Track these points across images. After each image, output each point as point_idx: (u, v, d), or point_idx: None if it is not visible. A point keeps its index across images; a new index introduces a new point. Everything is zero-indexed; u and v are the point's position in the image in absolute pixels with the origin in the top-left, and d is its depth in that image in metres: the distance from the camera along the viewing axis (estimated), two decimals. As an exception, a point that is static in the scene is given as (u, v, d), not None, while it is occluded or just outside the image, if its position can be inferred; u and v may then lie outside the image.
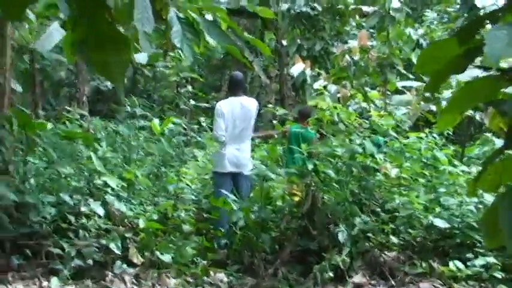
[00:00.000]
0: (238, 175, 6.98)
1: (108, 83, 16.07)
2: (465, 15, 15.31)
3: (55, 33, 9.72)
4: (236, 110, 7.10)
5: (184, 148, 9.27)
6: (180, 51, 9.11)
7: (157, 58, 14.40)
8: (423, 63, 2.12)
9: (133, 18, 3.69)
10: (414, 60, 11.28)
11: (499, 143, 7.22)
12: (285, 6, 14.81)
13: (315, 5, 14.51)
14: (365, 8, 14.93)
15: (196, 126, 10.77)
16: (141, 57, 13.84)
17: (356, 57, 9.34)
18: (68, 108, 8.71)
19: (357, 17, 15.83)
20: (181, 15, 4.09)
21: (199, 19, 4.16)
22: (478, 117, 9.94)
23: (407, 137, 7.29)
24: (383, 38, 9.96)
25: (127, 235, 5.60)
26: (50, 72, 16.36)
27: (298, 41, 14.35)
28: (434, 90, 2.32)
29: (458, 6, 16.77)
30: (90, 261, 5.33)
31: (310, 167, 5.83)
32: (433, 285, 5.31)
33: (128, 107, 8.47)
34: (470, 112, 8.99)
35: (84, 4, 2.64)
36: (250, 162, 6.98)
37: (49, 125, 7.92)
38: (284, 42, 14.97)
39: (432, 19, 17.40)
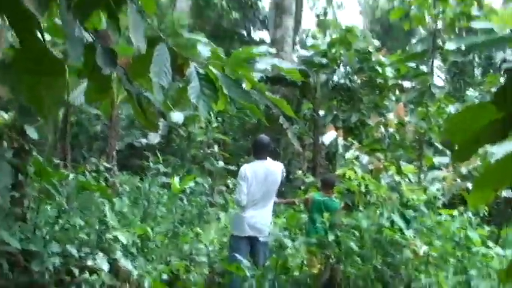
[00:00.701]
0: (255, 240, 6.66)
1: (142, 140, 16.12)
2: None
3: (91, 85, 9.78)
4: (260, 174, 6.87)
5: (208, 208, 9.01)
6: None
7: (194, 119, 14.47)
8: (451, 130, 1.81)
9: (150, 71, 3.56)
10: (453, 139, 10.96)
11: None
12: (323, 77, 14.77)
13: (354, 77, 14.42)
14: (405, 84, 14.79)
15: (224, 188, 10.55)
16: (176, 117, 13.95)
17: (391, 130, 9.05)
18: (94, 160, 8.57)
19: (397, 91, 15.68)
20: (201, 70, 3.90)
21: (219, 75, 3.96)
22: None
23: (440, 214, 6.87)
24: (422, 114, 9.70)
25: (131, 294, 5.29)
26: (86, 126, 16.56)
27: (335, 111, 14.20)
28: (463, 159, 2.02)
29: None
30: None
31: (331, 237, 5.46)
32: None
33: (151, 163, 8.28)
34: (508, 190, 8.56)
35: (14, 19, 2.41)
36: (269, 228, 6.65)
37: (71, 176, 7.79)
38: (321, 113, 14.85)
39: (474, 98, 17.09)
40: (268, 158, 7.09)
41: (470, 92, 17.88)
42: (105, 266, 5.36)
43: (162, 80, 3.33)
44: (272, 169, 6.99)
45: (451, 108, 13.72)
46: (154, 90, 3.22)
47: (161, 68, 3.34)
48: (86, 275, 5.27)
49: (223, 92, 3.96)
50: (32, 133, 5.69)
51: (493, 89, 17.03)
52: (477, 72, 26.78)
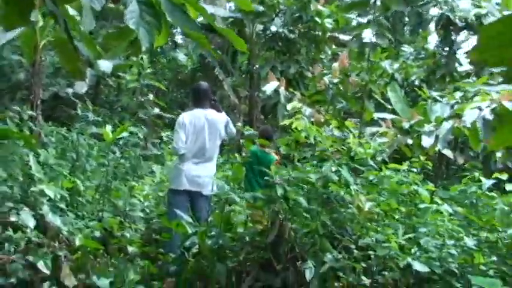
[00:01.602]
0: (197, 195, 6.27)
1: (69, 89, 15.27)
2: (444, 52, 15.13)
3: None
4: (199, 123, 6.47)
5: (141, 162, 8.51)
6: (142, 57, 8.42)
7: (123, 68, 13.71)
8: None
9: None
10: (389, 94, 10.82)
11: (487, 183, 6.64)
12: (260, 27, 14.29)
13: (292, 28, 14.04)
14: (342, 37, 14.56)
15: (157, 141, 10.03)
16: (104, 65, 13.14)
17: (335, 80, 8.76)
18: (16, 108, 7.87)
19: (333, 46, 15.47)
20: (140, -7, 3.36)
21: (161, -1, 3.44)
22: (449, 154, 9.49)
23: (385, 169, 6.69)
24: (361, 64, 9.46)
25: (60, 253, 4.80)
26: (8, 73, 15.52)
27: (273, 63, 13.81)
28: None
29: (436, 43, 16.63)
30: (14, 280, 4.53)
31: (279, 191, 5.13)
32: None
33: (79, 110, 7.67)
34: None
35: None
36: (212, 183, 6.26)
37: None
38: (257, 65, 14.44)
39: (409, 54, 17.09)
40: (209, 107, 6.66)
41: (405, 48, 17.85)
42: (31, 222, 4.85)
43: (93, 2, 2.79)
44: (214, 118, 6.58)
45: (386, 64, 13.65)
46: (84, 14, 2.69)
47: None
48: (10, 232, 4.74)
49: (166, 20, 3.44)
50: None
51: (426, 46, 17.12)
52: (406, 30, 27.02)
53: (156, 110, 7.43)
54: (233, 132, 6.87)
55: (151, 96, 8.06)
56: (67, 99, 15.81)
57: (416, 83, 15.07)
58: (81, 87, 14.18)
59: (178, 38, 18.30)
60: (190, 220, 5.34)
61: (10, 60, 15.22)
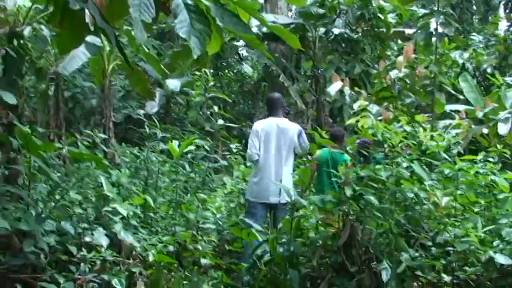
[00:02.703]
0: (275, 205, 6.36)
1: (140, 111, 15.64)
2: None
3: (80, 55, 9.26)
4: (272, 131, 6.60)
5: (212, 174, 8.56)
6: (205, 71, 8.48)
7: (191, 85, 13.93)
8: None
9: (130, 6, 3.04)
10: (460, 84, 10.46)
11: None
12: (322, 30, 14.14)
13: (354, 27, 13.82)
14: (407, 31, 14.18)
15: (226, 153, 10.08)
16: (173, 84, 13.40)
17: (401, 74, 8.49)
18: (88, 132, 8.09)
19: (399, 41, 15.10)
20: (189, 1, 3.33)
21: (210, 5, 3.41)
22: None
23: (461, 161, 6.40)
24: (429, 56, 9.15)
25: (134, 269, 4.86)
26: (81, 100, 16.05)
27: (337, 65, 13.61)
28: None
29: (505, 28, 15.99)
30: (91, 299, 4.62)
31: (348, 192, 5.00)
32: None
33: (147, 129, 7.80)
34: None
35: None
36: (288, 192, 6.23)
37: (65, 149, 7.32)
38: (322, 69, 14.29)
39: (478, 42, 16.50)
40: (282, 116, 6.81)
41: (474, 37, 17.25)
42: (104, 241, 4.93)
43: (143, 15, 2.81)
44: (286, 126, 6.71)
45: (456, 54, 13.18)
46: (135, 28, 2.70)
47: (141, 1, 2.80)
48: (84, 252, 4.84)
49: (217, 26, 3.40)
50: (9, 98, 5.21)
51: (496, 32, 16.47)
52: (475, 19, 26.24)
53: (221, 122, 7.47)
54: (306, 144, 6.89)
55: (216, 109, 8.11)
56: (139, 120, 16.19)
57: (489, 70, 14.51)
58: (152, 107, 14.50)
59: (244, 51, 18.46)
60: (260, 228, 5.30)
61: (83, 87, 15.72)
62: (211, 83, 8.43)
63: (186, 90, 14.20)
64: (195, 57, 3.35)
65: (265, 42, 14.03)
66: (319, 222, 5.44)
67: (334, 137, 7.41)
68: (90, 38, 6.19)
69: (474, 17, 26.61)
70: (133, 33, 5.58)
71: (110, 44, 9.99)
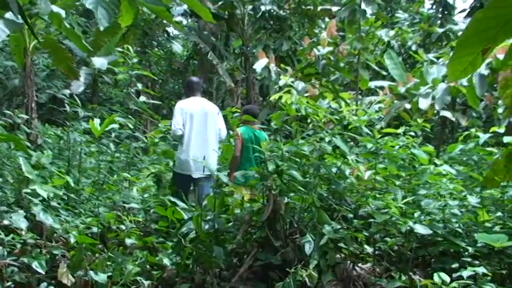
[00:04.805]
0: (200, 179, 6.71)
1: (66, 91, 15.20)
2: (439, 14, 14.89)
3: (-1, 32, 8.86)
4: (196, 108, 6.91)
5: (136, 154, 8.42)
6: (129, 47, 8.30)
7: (118, 63, 13.58)
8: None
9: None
10: (386, 61, 10.67)
11: (483, 137, 6.50)
12: (250, 7, 14.10)
13: (281, 4, 13.84)
14: (334, 9, 14.32)
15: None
16: (99, 63, 13.02)
17: (325, 50, 8.59)
18: (7, 112, 7.80)
19: (326, 18, 15.24)
20: (98, -30, 3.23)
21: (120, -24, 3.32)
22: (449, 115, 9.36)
23: (382, 136, 6.54)
24: (353, 33, 9.26)
25: (55, 252, 4.74)
26: (3, 80, 15.48)
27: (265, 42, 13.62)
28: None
29: (430, 6, 16.38)
30: (11, 283, 4.47)
31: (271, 167, 5.03)
32: (415, 301, 4.54)
33: (68, 108, 7.57)
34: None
35: None
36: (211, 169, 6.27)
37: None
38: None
39: (403, 20, 16.86)
40: (201, 97, 7.18)
41: (400, 15, 17.61)
42: (23, 224, 4.77)
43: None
44: (208, 105, 7.06)
45: (382, 33, 13.42)
46: None
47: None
48: (1, 235, 4.67)
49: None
50: None
51: (421, 10, 16.86)
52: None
53: (143, 98, 7.32)
54: (223, 131, 7.20)
55: (140, 86, 7.97)
56: (64, 100, 15.74)
57: (414, 48, 14.87)
58: (78, 87, 14.04)
59: (172, 29, 18.20)
60: (184, 205, 5.28)
61: (5, 67, 15.16)
62: (135, 60, 8.20)
63: (114, 69, 13.88)
64: (102, 28, 3.27)
65: (194, 19, 13.89)
66: (244, 198, 5.45)
67: (250, 114, 7.42)
68: (9, 15, 5.93)
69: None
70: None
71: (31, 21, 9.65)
